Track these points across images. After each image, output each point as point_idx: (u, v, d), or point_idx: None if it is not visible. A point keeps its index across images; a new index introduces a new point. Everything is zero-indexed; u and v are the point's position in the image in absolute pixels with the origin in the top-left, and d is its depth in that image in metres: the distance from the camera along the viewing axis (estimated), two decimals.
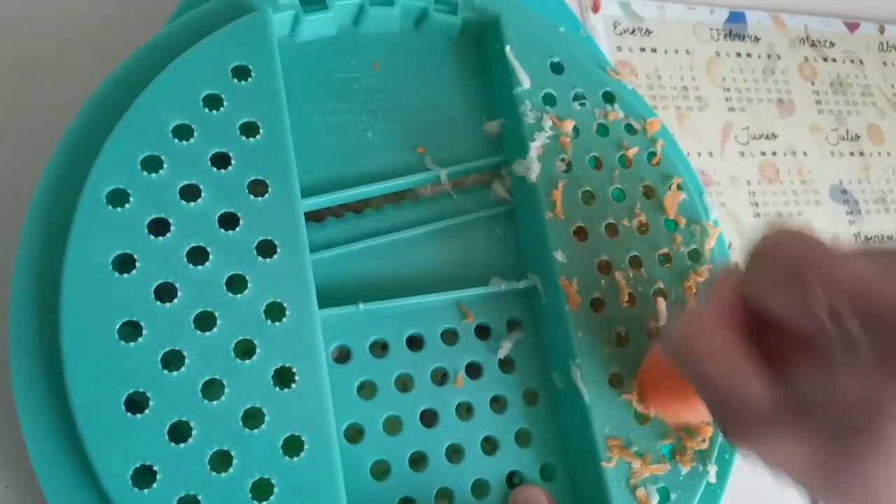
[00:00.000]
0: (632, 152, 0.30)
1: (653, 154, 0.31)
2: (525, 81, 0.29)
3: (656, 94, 0.43)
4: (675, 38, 0.45)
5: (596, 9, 0.43)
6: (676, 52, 0.44)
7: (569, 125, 0.29)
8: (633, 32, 0.44)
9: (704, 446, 0.27)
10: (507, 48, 0.30)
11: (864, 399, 0.17)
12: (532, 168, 0.28)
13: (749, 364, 0.19)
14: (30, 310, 0.22)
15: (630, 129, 0.31)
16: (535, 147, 0.28)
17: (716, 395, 0.20)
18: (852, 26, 0.50)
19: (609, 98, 0.31)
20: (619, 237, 0.29)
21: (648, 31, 0.44)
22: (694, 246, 0.29)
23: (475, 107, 0.31)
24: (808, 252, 0.18)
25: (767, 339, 0.20)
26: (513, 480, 0.27)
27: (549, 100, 0.30)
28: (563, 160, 0.29)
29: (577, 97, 0.30)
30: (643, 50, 0.43)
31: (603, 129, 0.30)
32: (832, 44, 0.49)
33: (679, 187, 0.30)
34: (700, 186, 0.31)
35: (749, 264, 0.20)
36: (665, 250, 0.29)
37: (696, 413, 0.25)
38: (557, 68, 0.30)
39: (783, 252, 0.19)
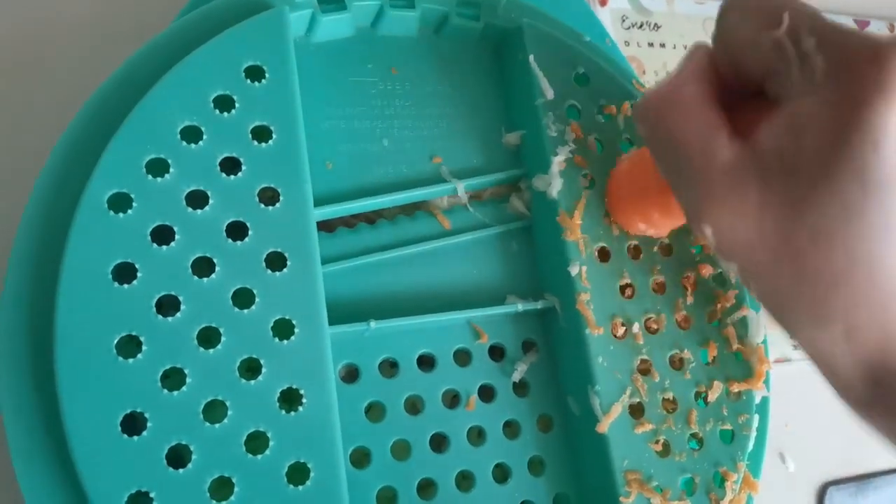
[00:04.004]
0: None
1: None
2: (549, 92, 0.28)
3: None
4: (685, 32, 0.44)
5: (604, 2, 0.42)
6: (685, 47, 0.43)
7: (593, 140, 0.28)
8: (640, 27, 0.42)
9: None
10: (531, 57, 0.28)
11: (820, 135, 0.17)
12: (553, 183, 0.27)
13: (716, 118, 0.19)
14: (22, 320, 0.21)
15: None
16: (557, 161, 0.27)
17: (682, 151, 0.20)
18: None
19: None
20: (642, 258, 0.27)
21: (657, 26, 0.43)
22: (720, 271, 0.28)
23: (494, 117, 0.30)
24: None
25: (736, 113, 0.20)
26: None
27: (573, 112, 0.29)
28: (585, 176, 0.28)
29: (602, 110, 0.29)
30: (651, 45, 0.42)
31: (629, 145, 0.29)
32: None
33: None
34: None
35: (721, 12, 0.20)
36: (691, 274, 0.28)
37: (665, 217, 0.25)
38: (582, 80, 0.29)
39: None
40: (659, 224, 0.26)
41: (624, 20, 0.42)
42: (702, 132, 0.19)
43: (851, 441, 0.39)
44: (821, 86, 0.17)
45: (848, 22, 0.50)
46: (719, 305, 0.28)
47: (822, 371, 0.20)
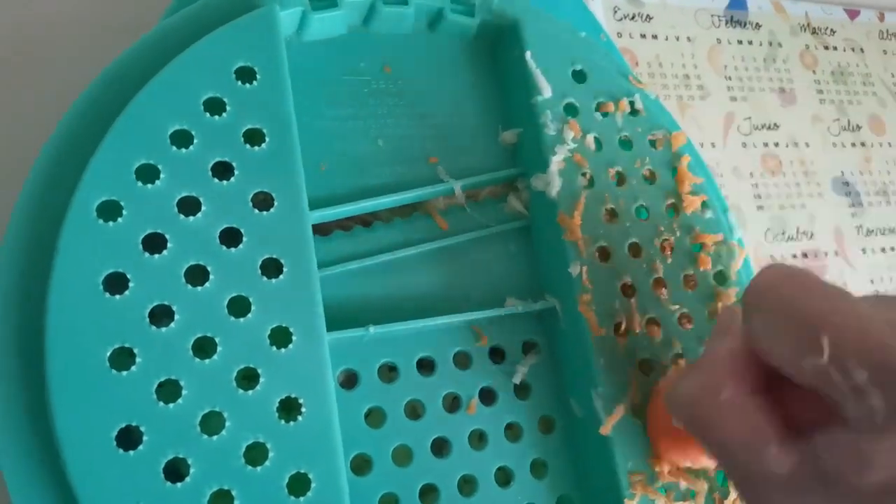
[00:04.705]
0: (656, 167, 0.28)
1: (677, 170, 0.29)
2: (546, 90, 0.28)
3: (657, 83, 0.41)
4: (677, 24, 0.43)
5: None
6: (678, 38, 0.43)
7: (591, 138, 0.28)
8: (633, 18, 0.42)
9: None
10: (528, 54, 0.28)
11: (886, 466, 0.15)
12: (552, 183, 0.27)
13: (767, 427, 0.17)
14: (10, 334, 0.20)
15: (654, 142, 0.29)
16: (556, 161, 0.27)
17: (732, 460, 0.18)
18: (853, 13, 0.50)
19: (633, 109, 0.29)
20: (642, 257, 0.27)
21: (649, 17, 0.43)
22: (720, 268, 0.28)
23: (490, 115, 0.29)
24: (805, 295, 0.17)
25: (783, 392, 0.18)
26: None
27: (571, 110, 0.28)
28: (584, 175, 0.27)
29: (599, 108, 0.29)
30: (643, 37, 0.42)
31: (626, 143, 0.29)
32: (833, 31, 0.48)
33: (704, 205, 0.29)
34: (724, 203, 0.30)
35: (746, 311, 0.18)
36: (690, 272, 0.28)
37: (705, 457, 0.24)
38: (580, 76, 0.29)
39: (779, 296, 0.17)
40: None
41: (616, 11, 0.42)
42: (748, 441, 0.17)
43: None
44: (886, 426, 0.15)
45: (838, 12, 0.49)
46: (720, 303, 0.27)
47: None
